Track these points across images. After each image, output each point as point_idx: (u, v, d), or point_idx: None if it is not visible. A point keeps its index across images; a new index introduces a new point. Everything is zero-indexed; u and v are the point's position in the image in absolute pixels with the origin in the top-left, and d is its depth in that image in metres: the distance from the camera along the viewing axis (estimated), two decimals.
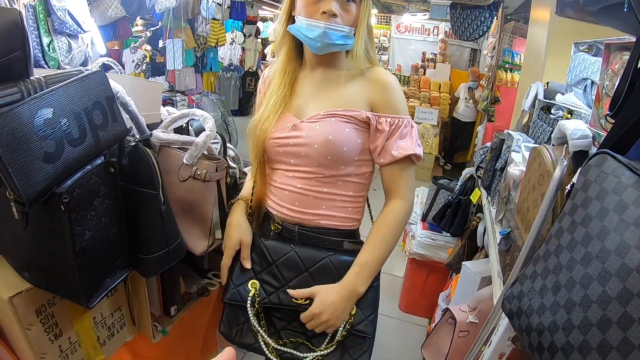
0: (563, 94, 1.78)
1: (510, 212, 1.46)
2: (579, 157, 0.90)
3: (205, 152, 1.30)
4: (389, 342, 2.34)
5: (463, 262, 1.81)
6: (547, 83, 2.07)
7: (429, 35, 5.95)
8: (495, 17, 2.57)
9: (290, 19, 1.12)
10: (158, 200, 1.08)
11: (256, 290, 1.11)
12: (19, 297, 0.96)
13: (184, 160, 1.25)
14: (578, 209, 0.70)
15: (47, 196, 0.83)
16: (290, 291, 1.09)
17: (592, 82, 1.61)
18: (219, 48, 5.28)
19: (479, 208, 2.25)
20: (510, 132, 1.80)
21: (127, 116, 1.07)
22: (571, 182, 0.78)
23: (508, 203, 1.53)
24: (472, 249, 2.07)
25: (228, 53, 5.59)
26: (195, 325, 1.63)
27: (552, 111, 1.72)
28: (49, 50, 1.76)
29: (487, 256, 1.96)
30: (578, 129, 0.92)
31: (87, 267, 0.95)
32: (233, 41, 5.56)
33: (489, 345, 1.05)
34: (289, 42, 1.15)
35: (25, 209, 0.79)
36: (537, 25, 2.82)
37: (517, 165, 1.51)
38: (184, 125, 1.46)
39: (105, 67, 1.83)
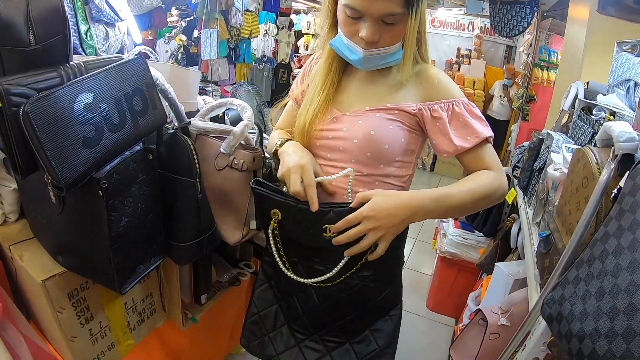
0: (604, 94, 1.67)
1: (549, 214, 1.38)
2: (625, 161, 0.86)
3: (243, 142, 1.25)
4: (415, 340, 2.28)
5: (496, 263, 1.72)
6: (587, 83, 1.94)
7: (463, 30, 5.71)
8: (535, 14, 2.41)
9: (334, 25, 1.01)
10: (195, 188, 1.04)
11: (277, 217, 0.97)
12: (52, 280, 0.94)
13: (221, 150, 1.21)
14: (625, 214, 0.67)
15: (85, 181, 0.80)
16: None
17: (636, 84, 1.50)
18: (252, 40, 5.23)
19: (513, 208, 2.14)
20: (550, 132, 1.69)
21: (167, 103, 1.03)
22: (618, 186, 0.75)
23: (546, 205, 1.45)
24: (504, 250, 1.97)
25: (261, 45, 5.54)
26: (224, 315, 1.61)
27: (594, 112, 1.61)
28: (86, 37, 1.74)
29: (520, 258, 1.87)
30: (625, 132, 0.87)
31: (122, 253, 0.92)
32: (266, 33, 5.50)
33: (523, 349, 1.00)
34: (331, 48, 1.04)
35: (63, 193, 0.76)
36: (575, 24, 2.67)
37: (557, 166, 1.41)
38: (220, 114, 1.42)
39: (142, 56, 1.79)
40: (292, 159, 0.97)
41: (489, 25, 4.06)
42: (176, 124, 1.07)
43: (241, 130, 1.21)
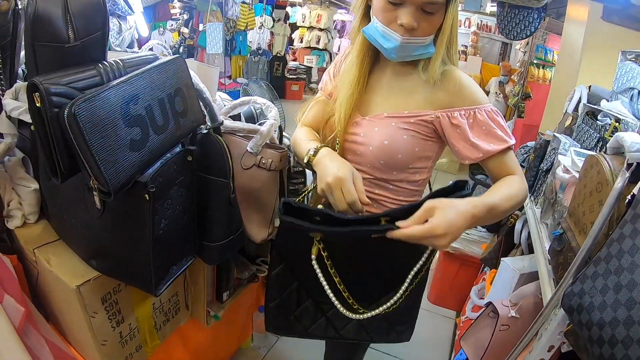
0: (608, 99, 1.68)
1: (559, 214, 1.40)
2: (635, 168, 0.92)
3: (268, 141, 1.22)
4: (417, 332, 2.27)
5: (502, 259, 1.73)
6: (590, 87, 1.95)
7: (460, 26, 5.70)
8: (543, 19, 2.40)
9: (367, 12, 0.97)
10: (228, 188, 1.02)
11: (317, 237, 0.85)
12: (86, 285, 0.91)
13: (248, 149, 1.17)
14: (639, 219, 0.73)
15: (130, 185, 0.76)
16: (401, 224, 0.78)
17: (639, 92, 1.52)
18: (248, 32, 5.14)
19: None
20: (557, 134, 1.70)
21: (201, 103, 0.99)
22: (632, 193, 0.83)
23: (555, 204, 1.47)
24: (508, 246, 1.99)
25: (257, 37, 5.45)
26: (238, 310, 1.58)
27: (599, 118, 1.63)
28: None
29: (523, 253, 1.89)
30: (636, 142, 0.92)
31: (159, 255, 0.89)
32: (262, 25, 5.41)
33: (540, 338, 1.04)
34: (364, 38, 0.99)
35: (111, 198, 0.72)
36: (573, 24, 2.67)
37: (565, 168, 1.43)
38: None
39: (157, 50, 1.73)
40: (331, 172, 0.89)
41: (485, 21, 4.05)
42: (209, 123, 1.03)
43: (268, 130, 1.18)
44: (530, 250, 1.90)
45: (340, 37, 7.19)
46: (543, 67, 3.49)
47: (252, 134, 1.19)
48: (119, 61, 0.83)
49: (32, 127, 0.79)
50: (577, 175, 1.30)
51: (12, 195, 1.08)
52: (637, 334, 0.65)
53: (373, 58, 1.01)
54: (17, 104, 1.01)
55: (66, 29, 0.76)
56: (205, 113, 1.00)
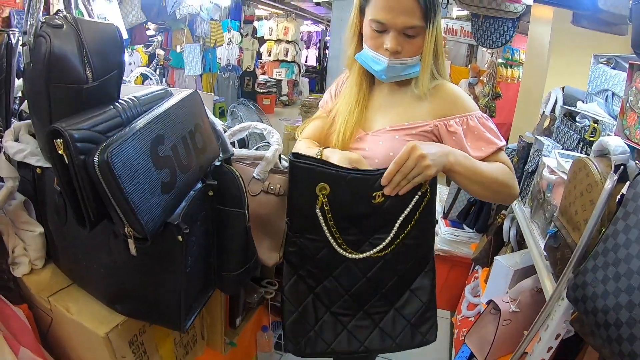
0: (583, 101, 1.79)
1: (550, 213, 1.48)
2: (621, 170, 1.01)
3: (273, 167, 1.22)
4: None
5: (495, 257, 1.79)
6: (563, 88, 2.06)
7: None
8: (517, 28, 2.51)
9: (360, 41, 1.05)
10: (244, 218, 1.01)
11: (325, 191, 0.90)
12: (114, 331, 0.88)
13: (254, 175, 1.17)
14: (630, 215, 0.82)
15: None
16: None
17: (613, 94, 1.63)
18: (217, 48, 5.09)
19: (500, 206, 2.24)
20: (538, 137, 1.79)
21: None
22: (621, 193, 0.94)
23: (544, 204, 1.54)
24: (497, 244, 2.06)
25: (225, 53, 5.39)
26: (244, 332, 1.55)
27: (578, 119, 1.73)
28: None
29: (513, 250, 1.96)
30: (619, 146, 1.01)
31: (187, 292, 0.87)
32: (230, 41, 5.37)
33: (546, 328, 1.11)
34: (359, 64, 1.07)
35: (147, 244, 0.70)
36: (539, 24, 2.74)
37: (551, 169, 1.52)
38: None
39: (144, 77, 1.71)
40: (346, 154, 0.96)
41: (451, 25, 4.19)
42: (221, 155, 1.02)
43: (273, 155, 1.18)
44: (520, 247, 1.98)
45: (307, 48, 7.24)
46: (511, 67, 3.65)
47: (258, 160, 1.19)
48: (134, 98, 0.82)
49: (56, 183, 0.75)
50: (563, 176, 1.39)
51: (16, 241, 1.03)
52: (639, 315, 0.73)
53: (370, 81, 1.10)
54: (20, 146, 0.97)
55: (83, 68, 0.74)
56: (219, 145, 0.99)
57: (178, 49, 3.71)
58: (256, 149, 1.37)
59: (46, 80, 0.75)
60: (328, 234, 0.93)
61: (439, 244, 2.33)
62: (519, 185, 1.83)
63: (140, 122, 0.73)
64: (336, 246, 0.94)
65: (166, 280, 0.82)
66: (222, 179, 0.99)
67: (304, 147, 1.09)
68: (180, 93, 0.86)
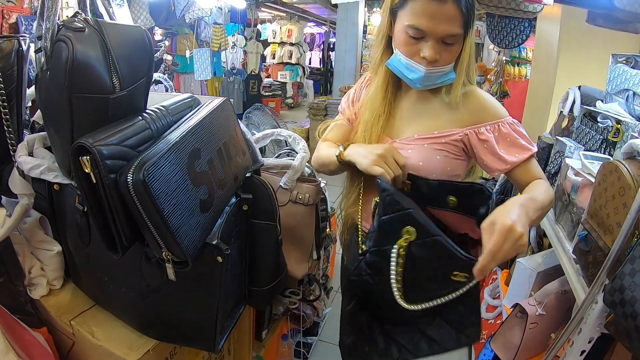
0: (602, 100, 1.73)
1: (576, 215, 1.42)
2: None
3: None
4: None
5: (517, 259, 1.73)
6: (580, 87, 2.00)
7: None
8: (533, 27, 2.42)
9: (388, 44, 0.98)
10: (276, 231, 0.94)
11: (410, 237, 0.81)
12: (146, 357, 0.82)
13: (282, 185, 1.10)
14: None
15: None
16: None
17: (634, 93, 1.57)
18: (221, 52, 5.01)
19: None
20: (559, 138, 1.73)
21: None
22: None
23: (570, 206, 1.48)
24: None
25: (230, 57, 5.30)
26: (272, 344, 1.48)
27: (599, 120, 1.66)
28: None
29: (533, 251, 1.90)
30: None
31: (222, 311, 0.80)
32: (234, 45, 5.28)
33: (580, 332, 1.08)
34: (387, 68, 1.00)
35: (188, 268, 0.62)
36: (547, 22, 2.67)
37: (576, 171, 1.45)
38: None
39: (156, 82, 1.63)
40: (376, 146, 0.90)
41: None
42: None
43: (300, 164, 1.12)
44: (540, 248, 1.91)
45: (311, 50, 7.16)
46: (518, 65, 3.58)
47: (285, 169, 1.12)
48: (162, 108, 0.75)
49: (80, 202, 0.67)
50: (589, 178, 1.33)
51: (32, 261, 0.95)
52: None
53: (396, 86, 1.02)
54: (35, 161, 0.89)
55: (110, 77, 0.66)
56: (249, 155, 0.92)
57: (187, 54, 3.62)
58: (277, 157, 1.29)
59: (68, 90, 0.67)
60: (394, 277, 0.82)
61: None
62: None
63: (174, 135, 0.65)
64: (396, 293, 0.83)
65: (203, 302, 0.75)
66: (254, 191, 0.91)
67: (327, 147, 1.04)
68: (210, 101, 0.78)
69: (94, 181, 0.61)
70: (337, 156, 0.95)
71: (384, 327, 0.98)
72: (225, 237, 0.74)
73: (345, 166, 0.96)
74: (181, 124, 0.70)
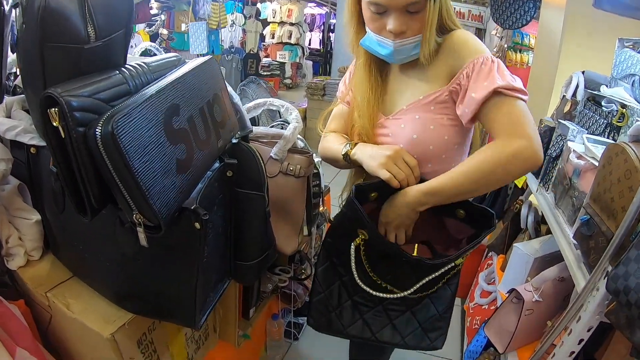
0: (607, 85, 1.68)
1: (578, 199, 1.38)
2: None
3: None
4: None
5: (514, 244, 1.69)
6: (583, 72, 1.94)
7: None
8: (538, 8, 2.33)
9: (361, 25, 0.93)
10: (263, 202, 0.89)
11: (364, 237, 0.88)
12: (121, 331, 0.76)
13: (272, 155, 1.05)
14: None
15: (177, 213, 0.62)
16: None
17: None
18: (220, 30, 4.90)
19: (516, 191, 2.13)
20: (562, 121, 1.68)
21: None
22: None
23: (571, 190, 1.43)
24: (514, 231, 1.95)
25: (229, 35, 5.19)
26: (259, 323, 1.45)
27: (604, 104, 1.62)
28: None
29: (530, 237, 1.86)
30: None
31: (203, 285, 0.76)
32: (233, 23, 5.16)
33: (578, 320, 1.06)
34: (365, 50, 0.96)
35: (161, 233, 0.57)
36: (550, 7, 2.62)
37: (579, 155, 1.41)
38: None
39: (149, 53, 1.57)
40: (386, 148, 0.89)
41: (458, 8, 4.01)
42: (239, 132, 0.89)
43: (292, 134, 1.06)
44: (537, 234, 1.87)
45: (311, 31, 7.02)
46: (520, 52, 3.50)
47: (276, 139, 1.06)
48: (143, 64, 0.69)
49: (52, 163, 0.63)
50: (593, 161, 1.29)
51: (10, 230, 0.90)
52: None
53: (381, 63, 0.98)
54: (11, 122, 0.84)
55: (85, 26, 0.60)
56: (237, 120, 0.86)
57: (183, 27, 3.52)
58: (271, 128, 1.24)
59: (40, 41, 0.61)
60: (354, 268, 0.89)
61: None
62: (540, 171, 1.73)
63: (152, 89, 0.60)
64: (358, 279, 0.90)
65: (180, 273, 0.70)
66: (241, 158, 0.86)
67: (333, 139, 1.01)
68: (195, 60, 0.72)
69: (63, 136, 0.56)
70: (343, 155, 0.94)
71: (354, 299, 1.00)
72: (207, 204, 0.69)
73: (352, 165, 0.96)
74: (161, 80, 0.64)
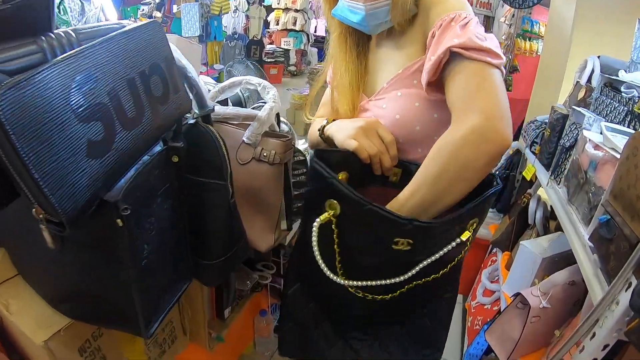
0: (626, 70, 1.52)
1: (594, 195, 1.23)
2: None
3: (268, 129, 0.98)
4: None
5: (521, 242, 1.56)
6: (599, 57, 1.79)
7: None
8: None
9: None
10: (227, 192, 0.77)
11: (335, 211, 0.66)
12: (56, 338, 0.66)
13: (244, 139, 0.93)
14: None
15: (95, 206, 0.51)
16: None
17: None
18: (222, 16, 4.76)
19: (524, 183, 1.98)
20: (577, 108, 1.52)
21: (186, 85, 0.74)
22: None
23: (585, 185, 1.28)
24: (521, 227, 1.82)
25: (232, 21, 5.05)
26: (239, 319, 1.35)
27: (623, 89, 1.46)
28: (59, 12, 1.36)
29: (538, 234, 1.73)
30: None
31: (146, 289, 0.65)
32: (236, 9, 5.02)
33: (592, 337, 0.93)
34: (339, 21, 0.85)
35: (65, 232, 0.46)
36: None
37: (595, 145, 1.26)
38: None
39: None
40: (360, 120, 0.77)
41: None
42: (196, 111, 0.78)
43: (267, 115, 0.94)
44: (546, 231, 1.74)
45: (316, 18, 6.84)
46: (529, 40, 3.32)
47: (249, 121, 0.94)
48: (70, 32, 0.57)
49: None
50: (614, 153, 1.14)
51: None
52: None
53: (358, 38, 0.87)
54: None
55: None
56: (192, 97, 0.75)
57: (174, 9, 3.40)
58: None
59: None
60: (318, 255, 0.66)
61: None
62: (551, 163, 1.58)
63: (60, 57, 0.48)
64: (325, 269, 0.68)
65: (112, 276, 0.59)
66: (198, 142, 0.74)
67: (317, 123, 0.91)
68: (133, 24, 0.60)
69: None
70: (319, 131, 0.84)
71: (333, 318, 0.84)
72: (143, 194, 0.58)
73: (329, 143, 0.83)
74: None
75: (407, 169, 0.76)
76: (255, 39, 5.33)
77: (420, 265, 0.67)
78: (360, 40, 0.87)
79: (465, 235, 0.67)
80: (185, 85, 0.72)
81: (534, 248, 1.54)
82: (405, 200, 0.66)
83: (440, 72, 0.66)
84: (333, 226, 0.66)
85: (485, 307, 1.86)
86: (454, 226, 0.67)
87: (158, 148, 0.62)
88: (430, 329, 0.86)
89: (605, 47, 1.80)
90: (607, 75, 1.59)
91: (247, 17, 5.29)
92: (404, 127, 0.77)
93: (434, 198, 0.65)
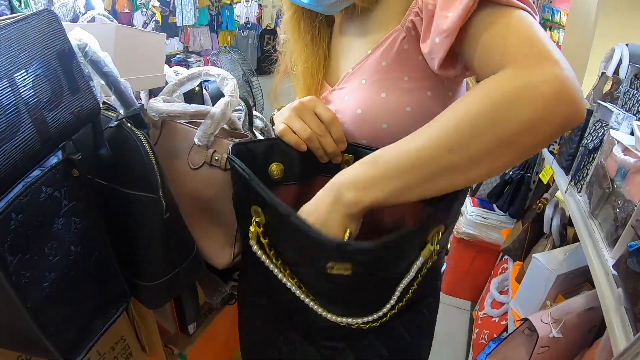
0: None
1: (622, 210, 1.05)
2: None
3: (226, 127, 0.88)
4: None
5: (534, 255, 1.40)
6: (627, 45, 1.61)
7: None
8: None
9: None
10: (157, 207, 0.67)
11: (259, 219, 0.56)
12: None
13: (195, 140, 0.83)
14: None
15: None
16: None
17: None
18: (234, 5, 4.67)
19: (540, 186, 1.81)
20: (602, 103, 1.34)
21: (103, 81, 0.64)
22: None
23: (612, 196, 1.10)
24: (535, 235, 1.65)
25: (244, 10, 4.95)
26: (216, 329, 1.27)
27: None
28: (19, 4, 1.27)
29: (554, 244, 1.56)
30: None
31: (56, 320, 0.57)
32: None
33: None
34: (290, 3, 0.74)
35: None
36: None
37: (624, 148, 1.08)
38: (197, 89, 1.03)
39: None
40: (295, 102, 0.66)
41: None
42: (121, 111, 0.68)
43: (221, 111, 0.82)
44: (562, 241, 1.57)
45: None
46: (550, 29, 3.10)
47: (201, 118, 0.84)
48: None
49: None
50: None
51: None
52: None
53: (315, 22, 0.75)
54: None
55: None
56: (112, 96, 0.65)
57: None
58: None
59: None
60: (269, 263, 0.57)
61: (464, 227, 1.95)
62: (571, 166, 1.40)
63: None
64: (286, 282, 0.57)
65: (9, 311, 0.51)
66: (121, 148, 0.65)
67: None
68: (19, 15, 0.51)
69: None
70: (271, 121, 0.75)
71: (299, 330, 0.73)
72: (31, 219, 0.49)
73: None
74: None
75: (359, 155, 0.60)
76: (268, 28, 5.22)
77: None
78: (319, 24, 0.75)
79: (427, 252, 0.52)
80: (103, 82, 0.63)
81: (547, 263, 1.38)
82: (392, 150, 0.49)
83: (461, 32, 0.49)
84: (261, 238, 0.55)
85: (493, 319, 1.72)
86: (411, 241, 0.52)
87: (54, 160, 0.53)
88: (411, 342, 0.73)
89: (630, 38, 1.67)
90: (638, 66, 1.40)
91: (260, 5, 5.18)
92: (366, 125, 0.63)
93: (449, 167, 0.46)
